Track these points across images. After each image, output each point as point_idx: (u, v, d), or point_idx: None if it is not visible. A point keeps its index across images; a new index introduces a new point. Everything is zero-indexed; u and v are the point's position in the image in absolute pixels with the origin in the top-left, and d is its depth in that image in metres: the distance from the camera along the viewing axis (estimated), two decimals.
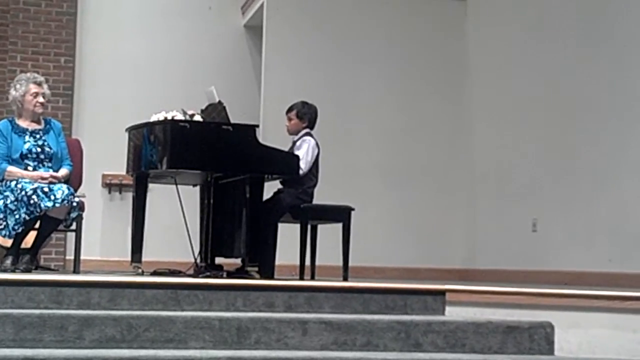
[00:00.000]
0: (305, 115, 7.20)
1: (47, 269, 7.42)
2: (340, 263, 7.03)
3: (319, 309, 5.19)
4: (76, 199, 6.45)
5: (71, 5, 10.33)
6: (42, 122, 6.80)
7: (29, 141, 6.62)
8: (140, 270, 6.68)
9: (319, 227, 7.31)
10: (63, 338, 4.50)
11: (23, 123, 6.69)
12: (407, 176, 10.15)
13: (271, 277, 6.53)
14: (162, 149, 6.60)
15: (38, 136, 6.68)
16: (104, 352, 4.35)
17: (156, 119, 6.71)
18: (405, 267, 9.64)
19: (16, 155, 6.54)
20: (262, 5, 10.19)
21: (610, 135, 8.13)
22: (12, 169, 6.50)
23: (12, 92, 6.74)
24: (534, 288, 5.59)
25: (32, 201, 6.22)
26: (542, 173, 8.99)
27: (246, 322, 4.71)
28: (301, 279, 6.93)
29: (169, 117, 6.65)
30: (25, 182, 6.34)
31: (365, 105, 10.17)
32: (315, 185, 7.12)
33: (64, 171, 6.66)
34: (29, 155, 6.58)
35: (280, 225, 7.01)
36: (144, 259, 6.78)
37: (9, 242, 6.46)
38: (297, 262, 7.06)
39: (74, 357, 4.19)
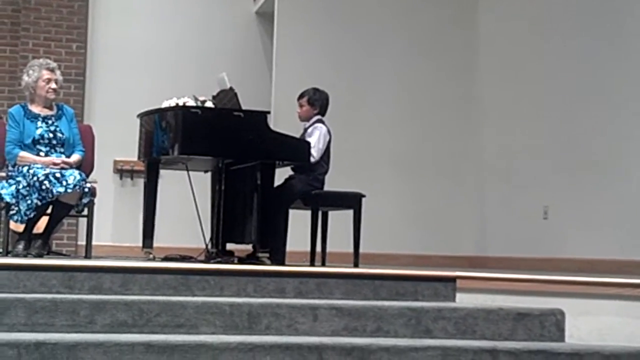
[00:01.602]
0: (316, 102, 7.19)
1: (59, 254, 7.44)
2: (351, 249, 7.04)
3: (330, 295, 5.20)
4: (88, 185, 6.47)
5: None
6: (55, 107, 6.81)
7: (41, 127, 6.64)
8: (151, 256, 6.71)
9: (330, 213, 7.32)
10: (75, 322, 4.53)
11: (35, 109, 6.71)
12: (418, 163, 10.13)
13: (282, 263, 6.54)
14: (173, 135, 6.61)
15: (50, 122, 6.69)
16: (116, 336, 4.36)
17: (168, 105, 6.72)
18: (416, 254, 9.63)
19: (28, 141, 6.56)
20: None
21: (620, 123, 8.10)
22: (24, 154, 6.52)
23: (25, 78, 6.75)
24: (544, 275, 5.60)
25: (44, 187, 6.24)
26: (553, 160, 8.97)
27: (257, 307, 4.73)
28: (312, 265, 6.94)
29: (181, 103, 6.66)
30: (37, 168, 6.36)
31: (376, 92, 10.15)
32: (326, 172, 7.12)
33: (76, 157, 6.68)
34: (41, 141, 6.60)
35: (291, 211, 7.02)
36: (155, 244, 6.80)
37: (21, 228, 6.49)
38: (308, 249, 7.07)
39: (85, 342, 4.21)
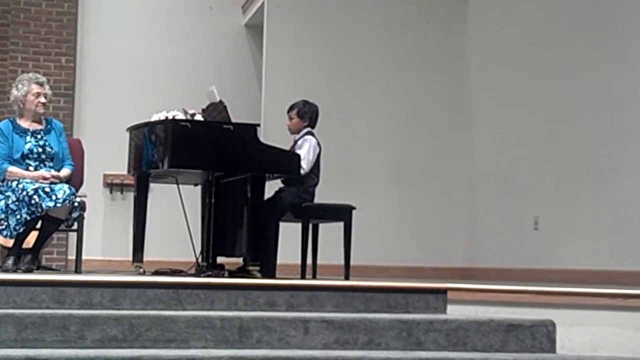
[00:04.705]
0: (306, 114, 7.20)
1: (49, 269, 7.42)
2: (342, 262, 7.03)
3: (321, 308, 5.19)
4: (77, 199, 6.45)
5: (72, 5, 10.33)
6: (44, 122, 6.80)
7: (30, 141, 6.62)
8: (141, 270, 6.68)
9: (321, 226, 7.31)
10: (65, 338, 4.50)
11: (24, 123, 6.69)
12: (409, 175, 10.14)
13: (273, 276, 6.53)
14: (163, 149, 6.60)
15: (39, 136, 6.68)
16: (106, 352, 4.35)
17: (157, 119, 6.71)
18: (407, 266, 9.63)
19: (17, 156, 6.54)
20: (262, 4, 10.19)
21: (611, 132, 8.12)
22: (13, 169, 6.50)
23: (14, 92, 6.74)
24: (535, 286, 5.60)
25: (33, 201, 6.22)
26: (543, 171, 8.98)
27: (248, 321, 4.71)
28: (303, 278, 6.93)
29: (170, 117, 6.65)
30: (27, 182, 6.34)
31: (366, 104, 10.17)
32: (316, 184, 7.11)
33: (65, 171, 6.67)
34: (30, 156, 6.58)
35: (281, 224, 7.01)
36: (145, 258, 6.78)
37: (10, 242, 6.47)
38: (299, 261, 7.06)
39: (75, 357, 4.19)
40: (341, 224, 7.08)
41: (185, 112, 6.74)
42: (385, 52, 10.26)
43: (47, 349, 4.35)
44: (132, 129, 6.98)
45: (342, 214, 7.10)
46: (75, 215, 6.49)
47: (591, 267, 7.89)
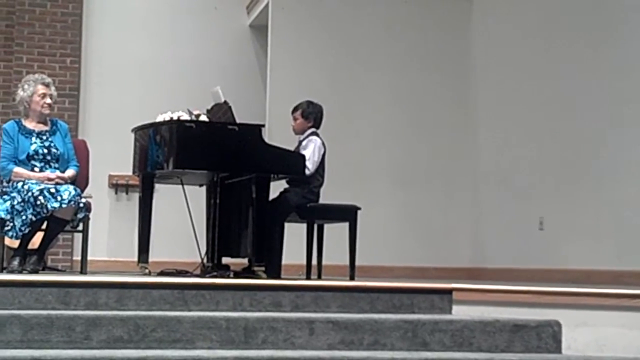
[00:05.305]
0: (310, 115, 7.20)
1: (54, 270, 7.43)
2: (347, 262, 7.03)
3: (326, 309, 5.19)
4: (83, 200, 6.45)
5: (76, 6, 10.35)
6: (49, 123, 6.80)
7: (35, 142, 6.63)
8: (147, 271, 6.69)
9: (326, 226, 7.31)
10: (70, 339, 4.51)
11: (30, 124, 6.70)
12: (414, 175, 10.14)
13: (278, 277, 6.53)
14: (168, 150, 6.60)
15: (45, 137, 6.69)
16: (112, 352, 4.35)
17: (162, 119, 6.71)
18: (412, 266, 9.63)
19: (23, 157, 6.55)
20: (267, 5, 10.19)
21: (615, 132, 8.11)
22: (18, 170, 6.51)
23: (20, 92, 6.74)
24: (541, 286, 5.59)
25: (38, 202, 6.22)
26: (548, 171, 8.97)
27: (253, 322, 4.71)
28: (308, 278, 6.93)
29: (175, 117, 6.65)
30: (32, 183, 6.35)
31: (370, 104, 10.17)
32: (321, 185, 7.11)
33: (70, 172, 6.67)
34: (36, 157, 6.59)
35: (286, 224, 7.01)
36: (150, 259, 6.78)
37: (16, 243, 6.47)
38: (304, 262, 7.05)
39: (81, 358, 4.20)
40: (346, 225, 7.08)
41: (190, 113, 6.74)
42: (389, 52, 10.26)
43: (53, 350, 4.36)
44: (137, 130, 6.98)
45: (347, 214, 7.09)
46: (80, 216, 6.50)
47: (596, 267, 7.88)
